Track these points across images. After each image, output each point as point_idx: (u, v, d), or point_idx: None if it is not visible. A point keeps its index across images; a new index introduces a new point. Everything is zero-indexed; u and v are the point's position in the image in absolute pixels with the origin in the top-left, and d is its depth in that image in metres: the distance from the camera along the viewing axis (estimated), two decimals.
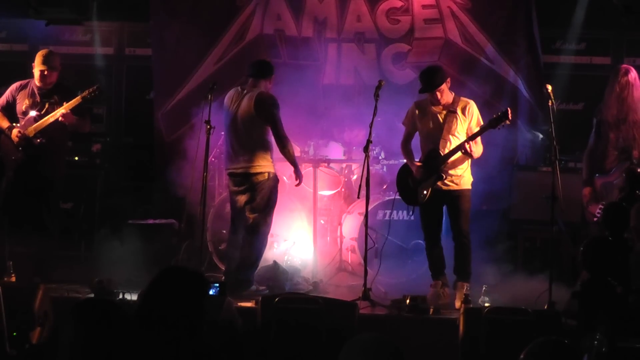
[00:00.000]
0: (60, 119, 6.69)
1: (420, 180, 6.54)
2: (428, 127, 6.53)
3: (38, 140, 6.73)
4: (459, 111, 6.45)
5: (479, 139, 6.40)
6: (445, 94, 6.45)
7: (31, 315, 5.27)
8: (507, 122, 6.23)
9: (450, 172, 6.44)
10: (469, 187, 6.56)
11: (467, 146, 6.27)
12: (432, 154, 6.46)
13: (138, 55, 9.04)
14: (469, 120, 6.46)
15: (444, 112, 6.46)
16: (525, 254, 7.50)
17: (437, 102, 6.45)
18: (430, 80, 6.44)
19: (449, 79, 6.50)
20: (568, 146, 7.39)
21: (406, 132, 6.76)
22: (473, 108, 6.49)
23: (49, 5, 8.01)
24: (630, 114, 6.71)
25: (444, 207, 6.60)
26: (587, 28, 8.29)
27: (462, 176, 6.49)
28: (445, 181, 6.45)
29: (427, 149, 6.56)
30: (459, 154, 6.35)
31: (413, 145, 6.75)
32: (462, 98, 6.54)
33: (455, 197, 6.48)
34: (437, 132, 6.46)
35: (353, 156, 7.81)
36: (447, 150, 6.39)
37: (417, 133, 6.67)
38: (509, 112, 6.19)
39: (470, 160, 6.50)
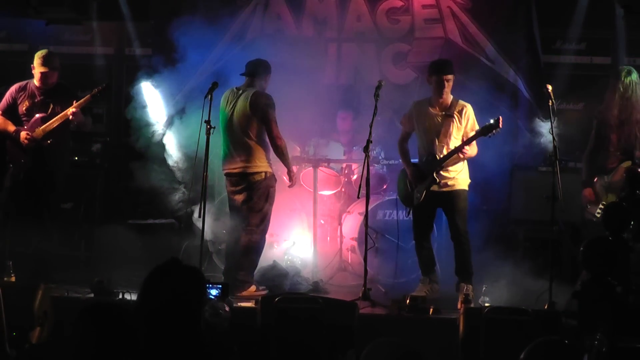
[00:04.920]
0: (70, 117, 6.67)
1: (415, 183, 6.57)
2: (424, 128, 6.56)
3: (49, 142, 6.73)
4: (455, 114, 6.47)
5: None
6: (447, 92, 6.48)
7: (31, 315, 5.27)
8: (498, 129, 6.25)
9: (444, 174, 6.47)
10: (465, 187, 6.59)
11: (464, 150, 6.33)
12: (428, 157, 6.49)
13: (138, 55, 9.03)
14: (465, 123, 6.48)
15: (442, 114, 6.49)
16: (525, 254, 7.49)
17: (435, 102, 6.48)
18: (442, 65, 6.54)
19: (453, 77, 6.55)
20: (568, 146, 7.38)
21: (403, 131, 6.81)
22: (470, 112, 6.52)
23: (49, 5, 8.02)
24: (633, 113, 6.72)
25: (438, 209, 6.66)
26: (587, 28, 8.28)
27: (456, 178, 6.52)
28: (440, 183, 6.47)
29: (422, 151, 6.59)
30: (454, 157, 6.38)
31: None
32: (460, 101, 6.56)
33: (450, 197, 6.51)
34: (433, 134, 6.49)
35: (353, 156, 7.82)
36: (443, 154, 6.41)
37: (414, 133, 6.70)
38: (500, 120, 6.22)
39: (465, 162, 6.53)
